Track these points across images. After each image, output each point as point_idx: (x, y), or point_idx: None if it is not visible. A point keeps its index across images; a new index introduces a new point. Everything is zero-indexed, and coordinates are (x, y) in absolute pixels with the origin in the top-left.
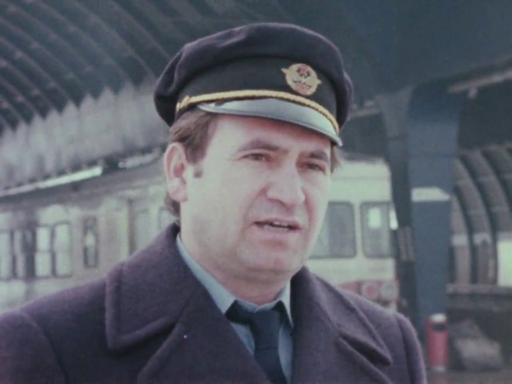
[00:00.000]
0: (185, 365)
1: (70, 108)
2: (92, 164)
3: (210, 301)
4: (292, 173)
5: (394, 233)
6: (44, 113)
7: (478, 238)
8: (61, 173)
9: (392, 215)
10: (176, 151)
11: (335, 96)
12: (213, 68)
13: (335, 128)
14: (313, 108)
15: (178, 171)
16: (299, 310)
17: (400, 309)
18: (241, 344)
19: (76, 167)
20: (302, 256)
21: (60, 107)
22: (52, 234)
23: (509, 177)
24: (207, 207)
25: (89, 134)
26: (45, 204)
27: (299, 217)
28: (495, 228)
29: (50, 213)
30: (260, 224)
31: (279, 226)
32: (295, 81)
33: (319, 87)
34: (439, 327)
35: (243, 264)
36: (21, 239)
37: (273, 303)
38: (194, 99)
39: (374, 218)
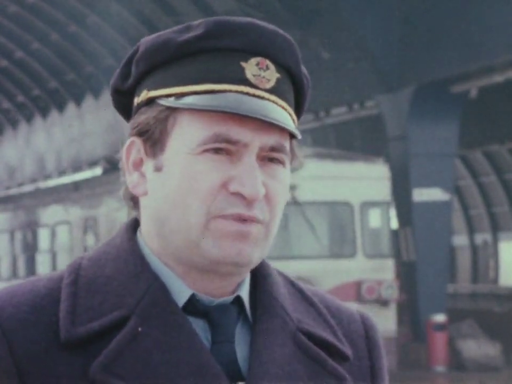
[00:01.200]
0: (139, 357)
1: (71, 108)
2: (92, 163)
3: (167, 294)
4: (252, 166)
5: (395, 233)
6: (44, 113)
7: (479, 238)
8: (61, 173)
9: (393, 215)
10: (134, 146)
11: (293, 89)
12: (172, 62)
13: (293, 121)
14: (272, 101)
15: (137, 165)
16: (258, 305)
17: (401, 308)
18: (197, 337)
19: (77, 167)
20: (263, 248)
21: (61, 107)
22: (53, 234)
23: (510, 177)
24: (167, 201)
25: (90, 133)
26: (45, 204)
27: (259, 211)
28: (495, 228)
29: (51, 213)
30: (223, 217)
31: (241, 219)
32: (254, 75)
33: (278, 81)
34: (440, 327)
35: (206, 257)
36: (22, 239)
37: (232, 297)
38: (153, 93)
39: (374, 218)
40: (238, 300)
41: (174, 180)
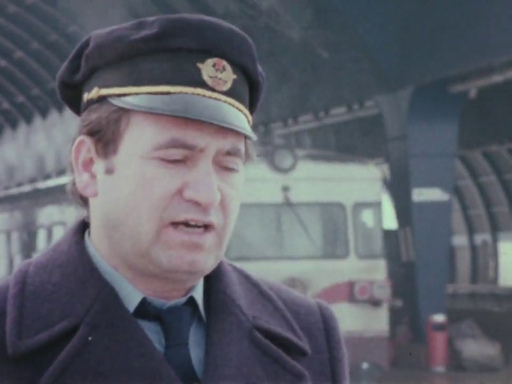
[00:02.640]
0: (89, 367)
1: None
2: None
3: (117, 299)
4: (208, 172)
5: (393, 234)
6: (44, 113)
7: (478, 238)
8: (61, 173)
9: (384, 216)
10: (84, 145)
11: (249, 87)
12: (125, 59)
13: (249, 122)
14: (229, 103)
15: (87, 165)
16: (211, 304)
17: (393, 308)
18: (149, 343)
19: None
20: (217, 255)
21: (60, 107)
22: (49, 235)
23: (509, 178)
24: (119, 206)
25: None
26: (42, 204)
27: (215, 216)
28: (495, 228)
29: (47, 214)
30: (175, 224)
31: (195, 226)
32: (211, 77)
33: (235, 82)
34: (439, 327)
35: (157, 265)
36: (19, 239)
37: (184, 299)
38: (105, 92)
39: (367, 219)
40: (191, 301)
41: (126, 185)
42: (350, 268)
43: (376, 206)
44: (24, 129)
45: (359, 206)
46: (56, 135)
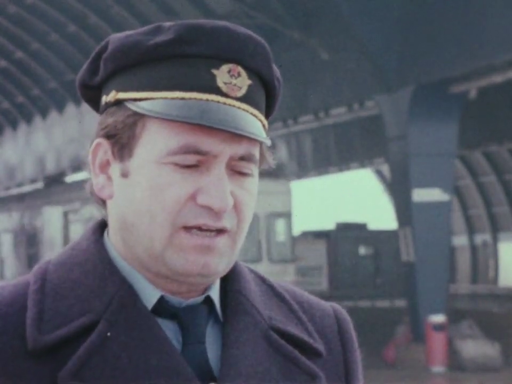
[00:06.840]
0: (108, 362)
1: (71, 108)
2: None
3: (136, 297)
4: (221, 177)
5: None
6: (44, 113)
7: (478, 238)
8: (61, 173)
9: (294, 225)
10: (101, 147)
11: (265, 92)
12: (141, 64)
13: (264, 127)
14: (243, 109)
15: (104, 167)
16: (228, 304)
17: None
18: (167, 340)
19: (76, 168)
20: (230, 258)
21: (60, 107)
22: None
23: (509, 178)
24: (133, 210)
25: (90, 134)
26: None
27: (227, 221)
28: (495, 228)
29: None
30: (187, 229)
31: (207, 230)
32: (225, 83)
33: (250, 88)
34: (439, 327)
35: (170, 269)
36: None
37: (201, 298)
38: (122, 95)
39: (278, 227)
40: (208, 300)
41: (140, 189)
42: (262, 271)
43: (287, 216)
44: (24, 129)
45: (271, 216)
46: (56, 135)
